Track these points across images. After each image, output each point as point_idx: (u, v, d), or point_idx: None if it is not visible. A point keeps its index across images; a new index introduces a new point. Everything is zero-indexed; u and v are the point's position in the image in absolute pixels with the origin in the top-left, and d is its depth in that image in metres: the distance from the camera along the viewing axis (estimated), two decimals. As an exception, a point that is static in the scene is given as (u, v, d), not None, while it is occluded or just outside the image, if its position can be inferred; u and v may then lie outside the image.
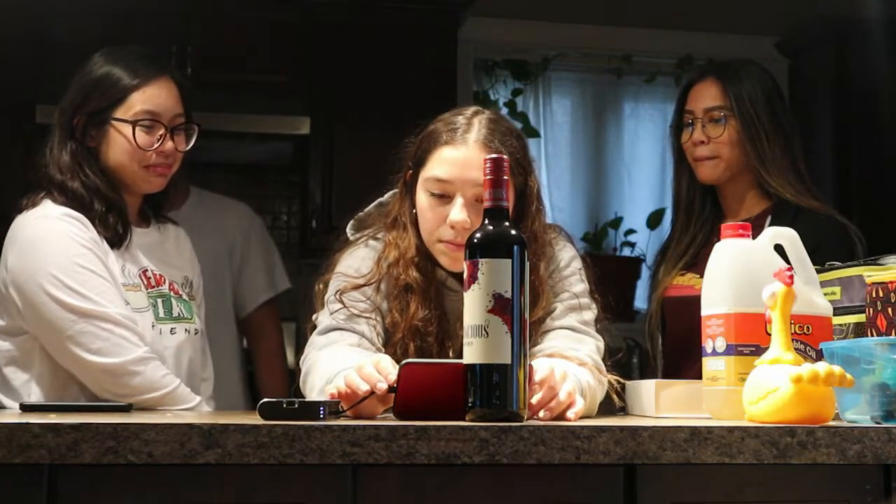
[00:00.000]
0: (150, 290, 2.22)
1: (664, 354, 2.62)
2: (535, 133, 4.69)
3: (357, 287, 2.04)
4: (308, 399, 1.87)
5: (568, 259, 2.10)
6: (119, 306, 2.11)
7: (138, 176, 2.23)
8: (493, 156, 1.60)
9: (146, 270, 2.24)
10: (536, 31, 4.57)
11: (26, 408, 1.87)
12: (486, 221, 1.59)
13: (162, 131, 2.23)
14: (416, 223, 2.07)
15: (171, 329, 2.23)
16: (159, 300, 2.23)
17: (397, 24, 4.08)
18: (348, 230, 2.20)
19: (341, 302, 2.02)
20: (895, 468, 1.54)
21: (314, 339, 2.03)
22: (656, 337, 2.62)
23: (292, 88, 3.99)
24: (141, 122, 2.21)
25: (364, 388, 1.63)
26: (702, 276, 2.41)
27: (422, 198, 2.04)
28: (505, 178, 1.60)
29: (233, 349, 3.23)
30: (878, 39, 4.20)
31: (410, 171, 2.09)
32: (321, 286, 2.11)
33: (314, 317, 2.10)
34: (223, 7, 3.97)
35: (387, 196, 2.20)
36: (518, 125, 4.64)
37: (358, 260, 2.09)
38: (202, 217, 3.09)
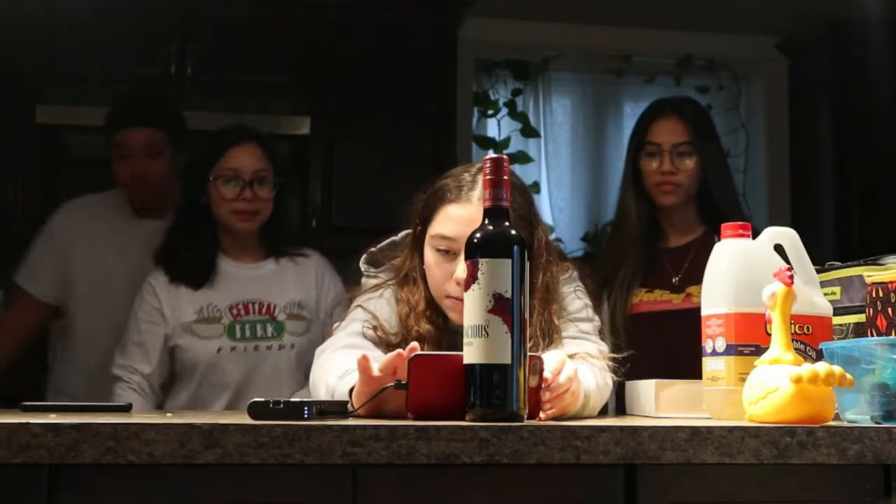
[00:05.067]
0: (235, 318, 2.76)
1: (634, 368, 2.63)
2: (535, 133, 4.69)
3: (379, 329, 2.10)
4: (315, 389, 1.98)
5: (560, 285, 2.15)
6: (130, 359, 2.76)
7: (228, 221, 2.78)
8: (493, 156, 1.60)
9: (238, 304, 2.77)
10: (536, 31, 4.57)
11: (26, 408, 1.87)
12: (486, 221, 1.59)
13: (241, 184, 2.75)
14: (426, 277, 2.11)
15: (255, 346, 2.76)
16: (245, 325, 2.77)
17: (397, 24, 4.08)
18: (362, 265, 2.25)
19: (358, 329, 2.09)
20: (895, 468, 1.54)
21: (338, 337, 2.10)
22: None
23: (292, 88, 3.99)
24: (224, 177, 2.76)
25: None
26: (672, 291, 2.70)
27: (429, 254, 2.09)
28: (505, 178, 1.60)
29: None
30: (878, 39, 4.20)
31: (419, 228, 2.13)
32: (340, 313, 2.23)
33: (334, 325, 2.17)
34: (223, 7, 3.97)
35: (399, 236, 2.24)
36: (518, 125, 4.69)
37: (385, 307, 2.14)
38: None
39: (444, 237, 2.05)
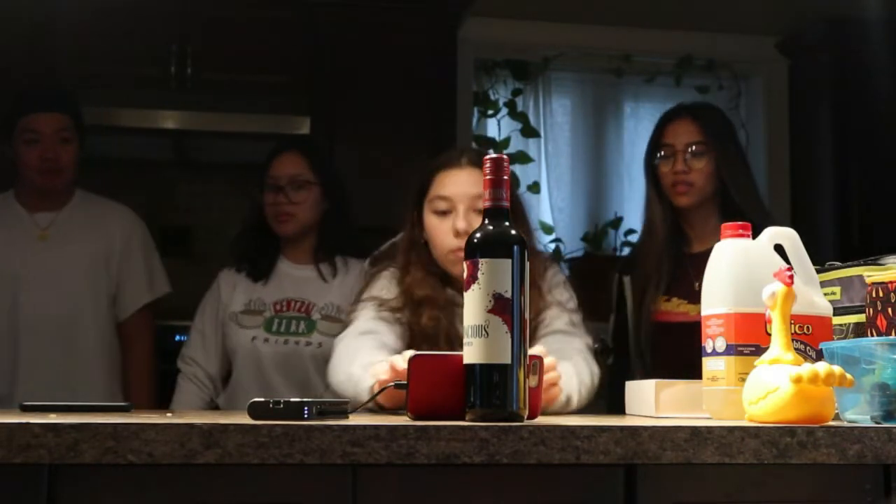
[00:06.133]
0: (277, 313, 2.96)
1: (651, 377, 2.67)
2: (535, 133, 4.69)
3: (386, 306, 2.28)
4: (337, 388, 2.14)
5: (551, 274, 2.34)
6: (191, 350, 3.06)
7: (272, 224, 3.00)
8: (493, 156, 1.60)
9: (282, 300, 2.98)
10: (536, 31, 4.57)
11: (26, 408, 1.87)
12: (486, 221, 1.59)
13: (277, 189, 2.96)
14: (425, 247, 2.30)
15: (285, 340, 2.93)
16: (282, 320, 2.96)
17: (397, 24, 4.08)
18: (365, 265, 2.49)
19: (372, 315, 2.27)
20: (895, 468, 1.54)
21: (356, 324, 2.28)
22: (646, 357, 2.79)
23: (292, 88, 3.99)
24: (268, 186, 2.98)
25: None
26: (690, 301, 2.74)
27: (429, 220, 2.28)
28: (505, 177, 1.60)
29: (98, 351, 3.16)
30: (878, 39, 4.20)
31: (417, 203, 2.32)
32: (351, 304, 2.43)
33: (349, 317, 2.36)
34: (223, 7, 3.96)
35: (399, 236, 2.40)
36: (518, 125, 4.68)
37: (387, 284, 2.33)
38: (82, 218, 3.17)
39: (441, 197, 2.25)
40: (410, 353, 1.84)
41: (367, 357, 2.05)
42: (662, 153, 2.82)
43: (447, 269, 2.27)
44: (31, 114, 3.08)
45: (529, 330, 2.09)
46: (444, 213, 2.25)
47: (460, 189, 2.24)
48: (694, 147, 2.79)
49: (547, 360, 1.90)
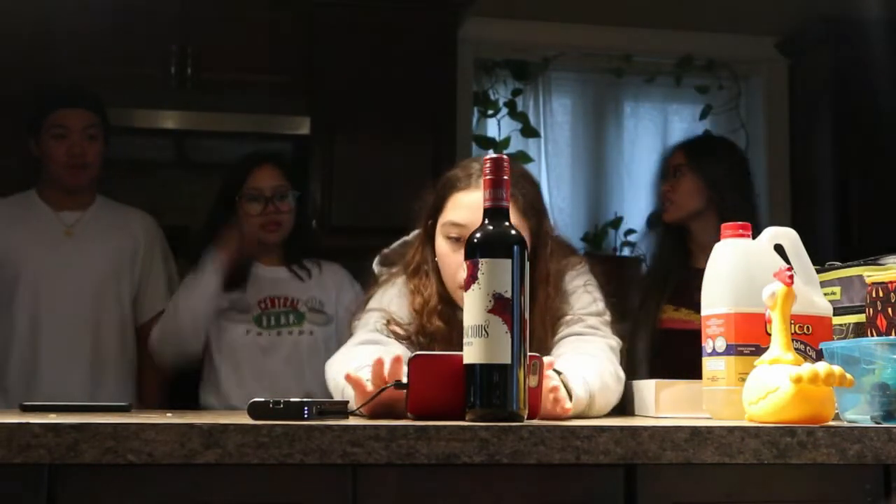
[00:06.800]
0: (263, 311, 3.04)
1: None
2: (535, 133, 4.68)
3: (396, 325, 2.14)
4: (334, 390, 2.03)
5: (569, 279, 2.19)
6: None
7: (256, 234, 3.07)
8: (493, 156, 1.60)
9: (265, 298, 3.06)
10: (536, 31, 4.57)
11: (26, 408, 1.87)
12: (486, 221, 1.59)
13: (264, 201, 3.05)
14: (438, 270, 2.14)
15: (278, 332, 3.03)
16: (271, 316, 3.04)
17: (397, 24, 4.08)
18: (375, 266, 2.29)
19: (378, 328, 2.13)
20: (895, 468, 1.54)
21: (358, 334, 2.15)
22: (644, 364, 2.92)
23: (292, 88, 3.99)
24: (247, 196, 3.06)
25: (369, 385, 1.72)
26: (696, 311, 2.82)
27: (441, 244, 2.12)
28: (505, 178, 1.60)
29: (118, 350, 3.19)
30: (878, 39, 4.20)
31: (430, 221, 2.16)
32: (357, 312, 2.26)
33: (353, 325, 2.22)
34: (223, 7, 3.96)
35: (411, 235, 2.26)
36: (518, 125, 4.68)
37: (397, 298, 2.18)
38: (107, 219, 3.20)
39: (454, 224, 2.09)
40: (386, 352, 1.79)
41: (359, 361, 1.94)
42: (662, 176, 3.21)
43: (454, 299, 2.12)
44: (59, 109, 3.13)
45: (545, 341, 2.08)
46: (457, 241, 2.07)
47: (476, 216, 1.99)
48: (679, 168, 3.14)
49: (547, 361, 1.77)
